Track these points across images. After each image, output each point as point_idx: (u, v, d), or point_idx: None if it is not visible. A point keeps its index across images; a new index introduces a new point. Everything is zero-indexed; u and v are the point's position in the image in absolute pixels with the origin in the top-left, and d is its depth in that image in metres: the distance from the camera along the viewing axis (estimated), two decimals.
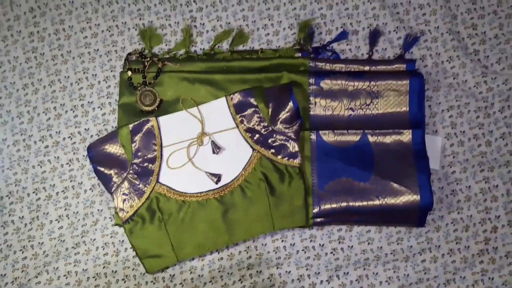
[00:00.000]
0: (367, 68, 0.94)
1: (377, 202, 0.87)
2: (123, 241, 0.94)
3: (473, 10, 0.97)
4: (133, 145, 0.91)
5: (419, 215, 0.87)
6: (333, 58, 0.96)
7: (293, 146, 0.90)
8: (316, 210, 0.89)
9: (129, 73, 0.96)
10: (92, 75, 1.00)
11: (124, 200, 0.90)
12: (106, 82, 0.99)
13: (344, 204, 0.88)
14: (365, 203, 0.87)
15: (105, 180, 0.91)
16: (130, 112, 0.95)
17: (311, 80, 0.92)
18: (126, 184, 0.90)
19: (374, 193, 0.88)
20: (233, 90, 0.93)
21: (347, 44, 0.98)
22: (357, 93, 0.92)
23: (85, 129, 0.98)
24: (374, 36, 0.97)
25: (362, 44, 0.98)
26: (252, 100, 0.91)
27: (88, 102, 0.99)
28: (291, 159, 0.89)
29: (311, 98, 0.92)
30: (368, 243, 0.88)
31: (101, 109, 0.99)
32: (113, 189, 0.90)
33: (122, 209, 0.90)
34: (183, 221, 0.89)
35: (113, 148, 0.92)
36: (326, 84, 0.92)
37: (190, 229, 0.89)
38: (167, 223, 0.89)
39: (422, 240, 0.88)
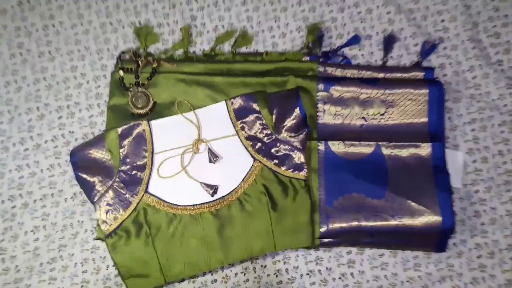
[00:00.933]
0: (381, 75, 0.86)
1: (392, 222, 0.78)
2: (105, 257, 0.84)
3: (495, 18, 0.90)
4: (121, 150, 0.82)
5: (440, 238, 0.77)
6: (344, 63, 0.88)
7: (298, 157, 0.81)
8: (323, 229, 0.79)
9: (121, 72, 0.87)
10: (81, 74, 0.91)
11: (108, 211, 0.80)
12: (95, 82, 0.91)
13: (355, 223, 0.78)
14: (378, 222, 0.78)
15: (87, 188, 0.81)
16: (120, 114, 0.87)
17: (320, 86, 0.84)
18: (110, 193, 0.81)
19: (389, 211, 0.78)
20: (234, 94, 0.85)
21: (360, 50, 0.91)
22: (370, 102, 0.83)
23: (70, 131, 0.89)
24: (389, 42, 0.89)
25: (375, 50, 0.91)
26: (254, 106, 0.82)
27: (75, 102, 0.91)
28: (296, 171, 0.80)
29: (320, 105, 0.84)
30: (382, 269, 0.79)
31: (88, 110, 0.90)
32: (96, 198, 0.81)
33: (105, 221, 0.80)
34: (173, 237, 0.79)
35: (98, 153, 0.82)
36: (336, 90, 0.84)
37: (181, 246, 0.79)
38: (155, 238, 0.79)
39: (443, 267, 0.79)
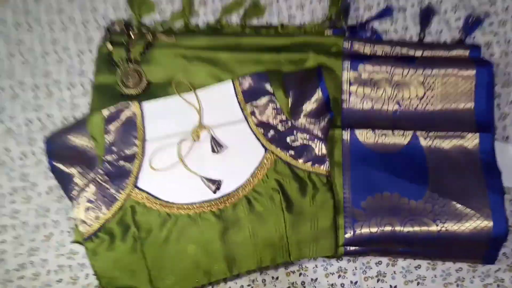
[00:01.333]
0: (418, 53, 0.72)
1: (433, 227, 0.63)
2: (83, 264, 0.70)
3: None
4: (106, 137, 0.68)
5: (489, 247, 0.63)
6: (374, 39, 0.74)
7: (319, 148, 0.66)
8: (348, 234, 0.65)
9: (110, 46, 0.74)
10: (63, 48, 0.78)
11: (88, 209, 0.66)
12: (79, 57, 0.77)
13: (388, 228, 0.64)
14: (416, 228, 0.63)
15: (64, 181, 0.67)
16: (108, 95, 0.74)
17: (346, 65, 0.70)
18: (92, 187, 0.66)
19: (429, 215, 0.64)
20: (243, 73, 0.71)
21: (392, 24, 0.77)
22: (406, 84, 0.69)
23: (47, 114, 0.75)
24: (427, 15, 0.76)
25: (410, 24, 0.77)
26: (267, 86, 0.68)
27: (54, 80, 0.77)
28: (316, 165, 0.66)
29: (345, 87, 0.70)
30: (418, 283, 0.66)
31: (69, 90, 0.76)
32: (74, 193, 0.67)
33: (84, 221, 0.66)
34: (166, 241, 0.65)
35: (79, 140, 0.68)
36: (365, 70, 0.70)
37: (176, 253, 0.66)
38: (145, 243, 0.65)
39: (490, 282, 0.66)
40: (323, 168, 0.68)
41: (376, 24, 0.79)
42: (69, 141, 0.70)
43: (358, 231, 0.66)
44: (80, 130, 0.71)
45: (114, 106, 0.71)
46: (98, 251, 0.67)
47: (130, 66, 0.75)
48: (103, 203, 0.68)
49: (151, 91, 0.74)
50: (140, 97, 0.73)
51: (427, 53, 0.74)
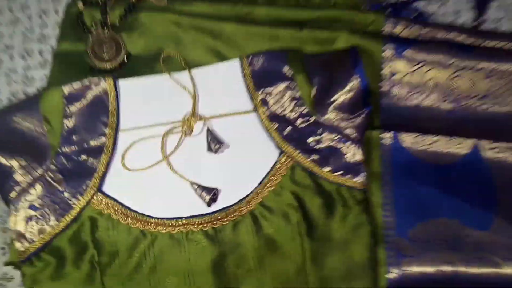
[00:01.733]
0: (478, 41, 0.55)
1: (506, 269, 0.46)
2: None
3: None
4: (66, 121, 0.51)
5: None
6: (421, 20, 0.57)
7: (353, 153, 0.50)
8: (393, 274, 0.48)
9: (81, 5, 0.58)
10: (21, 5, 0.59)
11: (31, 218, 0.47)
12: (40, 17, 0.60)
13: (447, 268, 0.48)
14: (486, 269, 0.46)
15: (0, 177, 0.47)
16: (73, 68, 0.58)
17: (389, 49, 0.55)
18: (38, 188, 0.47)
19: (499, 251, 0.46)
20: (254, 50, 0.55)
21: (440, 6, 0.61)
22: (463, 78, 0.53)
23: None
24: None
25: (463, 8, 0.62)
26: (285, 69, 0.52)
27: (5, 46, 0.59)
28: (348, 176, 0.50)
29: (387, 77, 0.53)
30: None
31: (24, 59, 0.59)
32: (13, 195, 0.46)
33: (23, 235, 0.47)
34: (137, 270, 0.47)
35: (28, 123, 0.51)
36: (413, 57, 0.56)
37: (151, 287, 0.45)
38: (107, 271, 0.47)
39: None
40: (358, 181, 0.50)
41: (421, 4, 0.62)
42: (13, 124, 0.51)
43: (406, 270, 0.49)
44: (31, 110, 0.52)
45: (80, 81, 0.52)
46: (40, 278, 0.48)
47: (105, 33, 0.57)
48: (52, 211, 0.48)
49: (131, 67, 0.57)
50: (116, 73, 0.54)
51: (487, 42, 0.57)
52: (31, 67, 0.60)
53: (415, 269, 0.49)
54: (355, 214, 0.50)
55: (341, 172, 0.51)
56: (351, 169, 0.51)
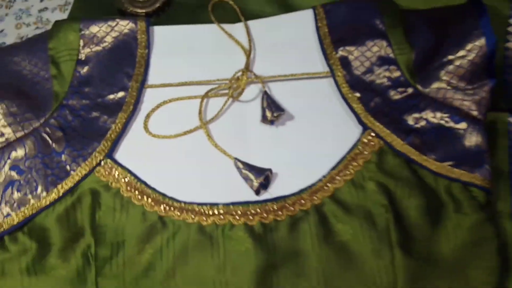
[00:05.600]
0: None
1: None
2: None
3: None
4: (79, 67, 0.40)
5: None
6: None
7: (470, 137, 0.34)
8: None
9: None
10: None
11: (11, 183, 0.35)
12: None
13: None
14: None
15: None
16: (99, 12, 0.48)
17: None
18: (29, 145, 0.36)
19: None
20: None
21: None
22: None
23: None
24: None
25: None
26: (376, 22, 0.38)
27: None
28: (464, 167, 0.34)
29: None
30: None
31: None
32: None
33: None
34: (148, 274, 0.34)
35: (30, 64, 0.40)
36: None
37: None
38: (105, 270, 0.33)
39: None
40: (479, 176, 0.34)
41: None
42: (11, 65, 0.39)
43: None
44: (36, 49, 0.41)
45: (104, 19, 0.41)
46: (11, 269, 0.35)
47: None
48: (42, 177, 0.36)
49: (172, 13, 0.46)
50: (150, 19, 0.43)
51: None
52: (48, 9, 0.49)
53: None
54: (474, 224, 0.34)
55: (453, 162, 0.36)
56: (469, 158, 0.36)
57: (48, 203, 0.36)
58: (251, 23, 0.45)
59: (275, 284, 0.34)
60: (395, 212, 0.35)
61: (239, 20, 0.45)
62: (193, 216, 0.36)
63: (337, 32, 0.42)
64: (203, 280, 0.34)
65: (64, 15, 0.49)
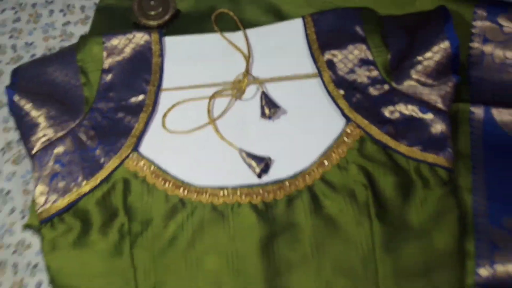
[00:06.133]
0: None
1: None
2: (36, 265, 0.44)
3: None
4: (104, 75, 0.46)
5: None
6: None
7: (436, 125, 0.42)
8: (484, 271, 0.41)
9: None
10: None
11: (55, 175, 0.43)
12: None
13: None
14: None
15: (26, 128, 0.44)
16: (116, 24, 0.54)
17: (480, 12, 0.48)
18: (67, 143, 0.43)
19: None
20: (319, 9, 0.49)
21: None
22: None
23: (27, 43, 0.53)
24: None
25: None
26: (357, 29, 0.45)
27: (46, 1, 0.54)
28: (429, 151, 0.42)
29: (477, 45, 0.47)
30: None
31: (63, 13, 0.55)
32: (37, 148, 0.42)
33: (45, 193, 0.41)
34: (173, 244, 0.41)
35: (62, 73, 0.46)
36: (508, 22, 0.46)
37: (186, 265, 0.42)
38: (138, 243, 0.42)
39: None
40: (443, 158, 0.42)
41: None
42: (46, 75, 0.47)
43: (500, 266, 0.40)
44: (67, 60, 0.49)
45: (123, 33, 0.48)
46: (60, 244, 0.42)
47: None
48: (81, 169, 0.44)
49: (180, 24, 0.53)
50: (162, 30, 0.50)
51: None
52: (71, 23, 0.57)
53: (510, 267, 0.41)
54: (438, 197, 0.42)
55: (421, 146, 0.44)
56: (434, 143, 0.44)
57: (88, 190, 0.44)
58: (249, 31, 0.52)
59: (275, 250, 0.42)
60: (373, 189, 0.43)
61: (238, 29, 0.52)
62: (207, 198, 0.44)
63: (324, 38, 0.50)
64: (217, 249, 0.42)
65: (86, 28, 0.56)
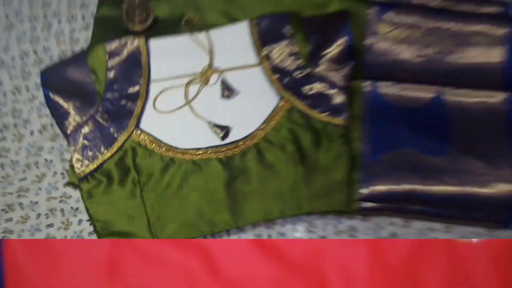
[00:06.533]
0: (450, 5, 0.69)
1: (454, 187, 0.63)
2: (77, 208, 0.68)
3: None
4: (108, 73, 0.66)
5: (510, 211, 0.62)
6: None
7: (338, 98, 0.64)
8: (364, 190, 0.64)
9: None
10: None
11: (85, 147, 0.64)
12: None
13: (405, 186, 0.63)
14: (435, 187, 0.63)
15: (61, 116, 0.66)
16: (111, 30, 0.72)
17: (372, 11, 0.68)
18: (90, 125, 0.64)
19: (451, 173, 0.63)
20: (260, 13, 0.69)
21: None
22: (435, 36, 0.67)
23: (44, 47, 0.72)
24: None
25: None
26: (286, 29, 0.66)
27: (54, 12, 0.73)
28: (333, 115, 0.64)
29: (370, 36, 0.67)
30: None
31: (69, 22, 0.73)
32: (71, 129, 0.64)
33: (80, 160, 0.63)
34: (168, 188, 0.64)
35: (78, 74, 0.66)
36: (392, 19, 0.69)
37: (178, 200, 0.65)
38: (145, 188, 0.64)
39: None
40: (341, 119, 0.66)
41: None
42: (67, 74, 0.68)
43: (374, 188, 0.65)
44: (79, 63, 0.68)
45: (119, 40, 0.69)
46: (94, 193, 0.65)
47: (137, 0, 0.72)
48: (102, 142, 0.66)
49: (159, 28, 0.72)
50: (147, 34, 0.70)
51: (459, 7, 0.71)
52: (76, 30, 0.76)
53: (381, 187, 0.65)
54: (338, 145, 0.66)
55: (328, 113, 0.67)
56: (336, 110, 0.67)
57: (108, 156, 0.66)
58: (211, 32, 0.72)
59: (235, 187, 0.65)
60: (297, 143, 0.66)
61: (203, 30, 0.72)
62: (188, 156, 0.67)
63: (263, 36, 0.70)
64: (197, 188, 0.66)
65: (88, 33, 0.76)
